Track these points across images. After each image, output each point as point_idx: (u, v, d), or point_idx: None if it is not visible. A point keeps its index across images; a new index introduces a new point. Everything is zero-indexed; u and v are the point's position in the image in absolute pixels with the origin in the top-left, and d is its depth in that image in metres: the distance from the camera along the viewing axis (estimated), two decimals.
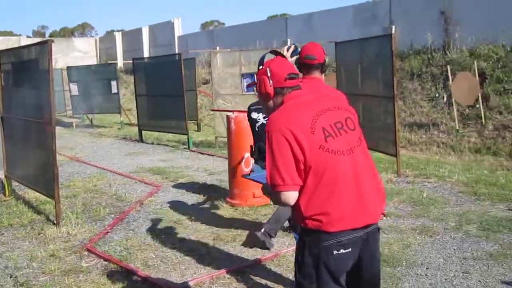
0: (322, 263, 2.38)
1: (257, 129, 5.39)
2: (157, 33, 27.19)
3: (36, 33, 61.67)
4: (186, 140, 12.18)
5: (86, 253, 5.30)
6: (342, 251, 2.37)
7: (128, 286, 4.43)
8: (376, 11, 15.51)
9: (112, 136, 15.29)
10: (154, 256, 5.13)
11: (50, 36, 55.65)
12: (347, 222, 2.38)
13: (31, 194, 7.60)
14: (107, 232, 5.91)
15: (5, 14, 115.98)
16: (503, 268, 4.50)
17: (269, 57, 2.80)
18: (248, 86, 2.59)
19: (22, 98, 7.29)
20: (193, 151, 11.67)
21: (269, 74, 2.56)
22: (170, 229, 5.95)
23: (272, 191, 2.42)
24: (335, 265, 2.39)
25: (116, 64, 18.73)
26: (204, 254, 5.14)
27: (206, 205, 6.95)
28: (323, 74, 4.05)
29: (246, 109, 5.62)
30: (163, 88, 12.73)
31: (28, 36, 36.70)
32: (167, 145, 12.73)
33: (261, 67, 2.67)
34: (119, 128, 17.02)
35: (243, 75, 11.34)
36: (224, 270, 4.65)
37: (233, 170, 6.95)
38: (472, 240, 5.23)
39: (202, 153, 11.28)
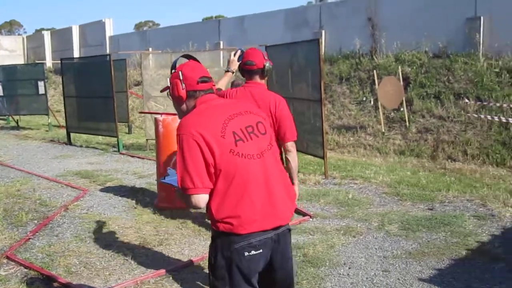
0: (234, 265, 2.42)
1: None
2: (88, 33, 26.52)
3: None
4: (116, 142, 11.95)
5: (5, 260, 5.10)
6: (253, 252, 2.43)
7: None
8: (307, 16, 15.80)
9: (39, 138, 14.76)
10: (77, 262, 5.01)
11: None
12: (257, 225, 2.44)
13: None
14: (29, 239, 5.71)
15: None
16: (420, 266, 4.69)
17: (182, 61, 2.79)
18: (162, 90, 2.62)
19: None
20: (123, 154, 11.46)
21: (181, 78, 2.59)
22: (95, 234, 5.83)
23: (183, 194, 2.45)
24: (247, 266, 2.44)
25: (44, 64, 18.08)
26: (130, 259, 5.06)
27: (134, 209, 6.85)
28: (264, 79, 4.13)
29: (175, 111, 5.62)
30: (92, 90, 12.43)
31: None
32: (96, 148, 12.44)
33: (173, 71, 2.68)
34: (46, 130, 16.45)
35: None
36: (150, 275, 4.61)
37: (161, 173, 6.89)
38: (392, 239, 5.42)
39: (132, 156, 11.10)
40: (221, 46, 17.81)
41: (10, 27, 58.51)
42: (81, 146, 12.87)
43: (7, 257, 5.13)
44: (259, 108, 2.85)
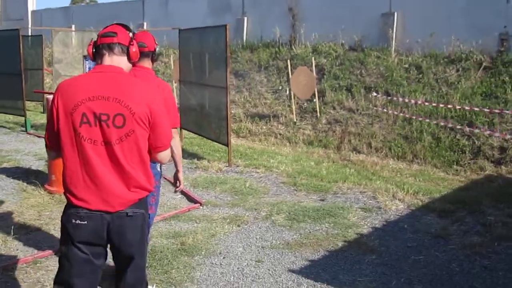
0: (65, 226, 2.73)
1: None
2: (9, 6, 25.31)
3: None
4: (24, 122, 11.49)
5: None
6: (78, 221, 2.66)
7: None
8: (230, 2, 15.69)
9: None
10: None
11: None
12: (83, 202, 2.66)
13: None
14: None
15: None
16: (294, 257, 4.76)
17: None
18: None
19: None
20: (30, 134, 11.04)
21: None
22: None
23: None
24: (73, 231, 2.68)
25: None
26: (0, 244, 4.85)
27: (21, 192, 6.59)
28: (153, 64, 4.06)
29: None
30: (0, 66, 11.86)
31: None
32: (3, 127, 11.91)
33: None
34: None
35: (85, 57, 10.90)
36: (15, 261, 4.44)
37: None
38: (276, 229, 5.47)
39: (39, 136, 10.68)
40: (145, 27, 17.44)
41: None
42: None
43: None
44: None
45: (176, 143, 3.85)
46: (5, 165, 8.08)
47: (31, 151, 9.17)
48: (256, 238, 5.21)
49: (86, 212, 2.64)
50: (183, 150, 9.17)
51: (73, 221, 2.66)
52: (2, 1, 25.83)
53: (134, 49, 2.79)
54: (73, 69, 14.53)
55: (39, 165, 8.07)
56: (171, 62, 14.30)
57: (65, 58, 15.54)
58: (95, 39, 2.78)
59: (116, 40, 2.73)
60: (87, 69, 10.90)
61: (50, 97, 6.66)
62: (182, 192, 6.64)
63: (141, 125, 2.65)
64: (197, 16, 15.15)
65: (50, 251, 4.70)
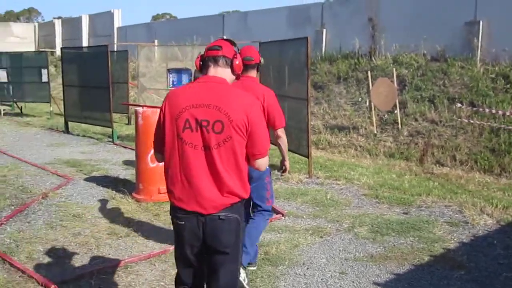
0: (172, 223, 2.97)
1: None
2: (97, 23, 26.68)
3: None
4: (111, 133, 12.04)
5: None
6: (178, 222, 2.88)
7: (5, 279, 4.34)
8: (309, 14, 15.75)
9: (39, 126, 14.90)
10: (41, 249, 5.06)
11: None
12: (181, 202, 2.84)
13: None
14: (1, 224, 5.77)
15: None
16: (379, 270, 4.68)
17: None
18: None
19: None
20: (117, 144, 11.54)
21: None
22: (67, 223, 5.88)
23: None
24: (176, 228, 2.93)
25: (47, 52, 18.20)
26: (94, 249, 5.11)
27: (111, 200, 6.89)
28: (258, 73, 4.55)
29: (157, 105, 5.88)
30: (90, 79, 12.52)
31: None
32: (92, 138, 12.53)
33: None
34: (48, 118, 16.59)
35: (169, 70, 11.29)
36: (108, 265, 4.65)
37: (139, 165, 6.93)
38: (359, 241, 5.41)
39: (125, 147, 11.17)
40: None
41: (29, 15, 58.81)
42: (78, 135, 12.98)
43: None
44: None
45: (284, 140, 4.45)
46: (94, 173, 8.49)
47: (118, 161, 9.58)
48: (339, 250, 5.18)
49: (183, 214, 2.84)
50: None
51: (175, 220, 2.91)
52: (90, 19, 27.28)
53: (237, 62, 2.95)
54: (156, 82, 15.08)
55: (126, 174, 8.41)
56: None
57: (149, 72, 16.15)
58: (203, 53, 2.97)
59: (221, 53, 2.90)
60: (170, 82, 11.29)
61: (138, 108, 6.97)
62: None
63: (238, 132, 2.77)
64: (276, 29, 15.30)
65: (140, 256, 4.88)
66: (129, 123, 15.37)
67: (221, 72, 2.92)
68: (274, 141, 4.40)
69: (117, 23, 24.94)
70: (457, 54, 11.77)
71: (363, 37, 13.60)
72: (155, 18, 56.15)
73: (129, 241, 5.34)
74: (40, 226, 5.75)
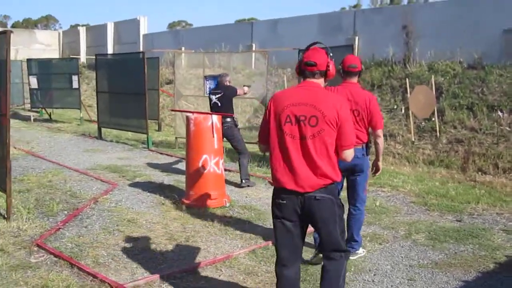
0: (272, 204, 3.50)
1: (211, 105, 8.22)
2: (122, 30, 26.89)
3: None
4: (146, 139, 12.11)
5: (36, 248, 5.21)
6: (280, 201, 3.40)
7: (77, 284, 4.38)
8: (341, 21, 15.76)
9: (71, 131, 15.05)
10: (105, 254, 5.10)
11: (13, 27, 54.21)
12: (282, 184, 3.37)
13: None
14: (59, 229, 5.83)
15: None
16: (446, 277, 4.65)
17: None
18: None
19: None
20: (152, 150, 11.61)
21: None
22: (123, 228, 5.91)
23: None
24: (278, 207, 3.44)
25: (78, 59, 18.43)
26: (157, 254, 5.13)
27: (161, 205, 6.93)
28: (358, 79, 5.07)
29: (207, 111, 5.98)
30: (124, 86, 12.63)
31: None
32: (126, 144, 12.62)
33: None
34: (78, 124, 16.76)
35: (205, 77, 11.32)
36: (176, 270, 4.67)
37: (190, 171, 6.96)
38: (419, 248, 5.38)
39: (161, 153, 11.23)
40: (254, 49, 17.86)
41: (47, 22, 59.52)
42: (111, 141, 13.08)
43: (38, 245, 5.25)
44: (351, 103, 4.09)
45: (382, 140, 4.96)
46: (138, 179, 8.54)
47: (158, 167, 9.63)
48: (402, 257, 5.15)
49: (285, 193, 3.36)
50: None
51: (276, 200, 3.43)
52: (115, 27, 27.53)
53: (330, 70, 3.46)
54: (184, 89, 15.13)
55: (170, 180, 8.45)
56: (284, 81, 14.52)
57: (177, 79, 16.28)
58: (300, 59, 3.50)
59: (316, 69, 3.43)
60: (207, 88, 11.31)
61: (190, 115, 7.01)
62: None
63: (330, 126, 3.30)
64: (307, 37, 15.19)
65: (205, 261, 4.90)
66: (159, 129, 15.48)
67: (317, 80, 3.48)
68: (373, 140, 5.00)
69: (143, 30, 25.13)
70: (494, 62, 11.70)
71: (396, 45, 13.56)
72: (171, 25, 56.53)
73: (189, 247, 5.35)
74: (98, 231, 5.79)
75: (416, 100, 10.55)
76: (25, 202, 6.88)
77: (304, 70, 3.46)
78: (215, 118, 6.88)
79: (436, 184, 8.35)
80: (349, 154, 3.42)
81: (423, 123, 11.27)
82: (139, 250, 5.21)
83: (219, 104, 8.12)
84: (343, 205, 3.53)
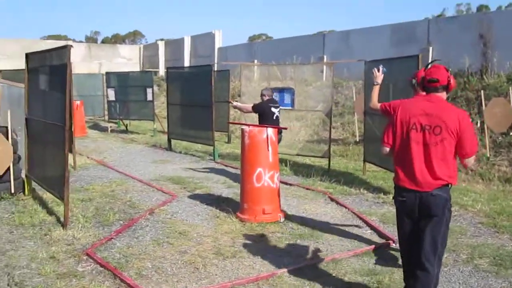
0: (395, 201, 4.00)
1: (274, 118, 8.67)
2: (198, 44, 27.47)
3: (88, 39, 63.30)
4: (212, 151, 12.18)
5: (85, 257, 5.30)
6: (400, 198, 3.89)
7: None
8: (413, 31, 15.22)
9: (143, 142, 15.45)
10: (150, 266, 5.08)
11: (102, 42, 56.99)
12: (403, 183, 3.85)
13: (49, 195, 7.67)
14: (111, 238, 5.90)
15: (60, 19, 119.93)
16: None
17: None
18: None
19: (44, 101, 7.43)
20: (218, 162, 11.64)
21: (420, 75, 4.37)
22: (173, 240, 5.90)
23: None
24: (399, 204, 3.95)
25: (152, 72, 18.94)
26: (200, 268, 5.05)
27: (215, 218, 6.87)
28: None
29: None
30: (193, 98, 12.80)
31: (80, 41, 37.57)
32: (193, 155, 12.76)
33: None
34: (152, 135, 17.19)
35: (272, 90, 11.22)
36: (216, 286, 4.56)
37: (244, 185, 6.86)
38: (480, 275, 4.97)
39: (226, 166, 11.24)
40: (325, 60, 17.63)
41: (133, 37, 62.10)
42: (180, 152, 13.27)
43: (87, 254, 5.33)
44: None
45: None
46: (197, 191, 8.55)
47: (220, 179, 9.62)
48: (459, 283, 4.77)
49: (405, 192, 3.82)
50: (367, 184, 8.95)
51: (398, 198, 3.90)
52: (192, 40, 28.17)
53: (451, 84, 3.93)
54: (255, 101, 15.08)
55: (229, 193, 8.40)
56: (352, 94, 14.19)
57: (248, 91, 16.29)
58: (423, 75, 3.97)
59: (439, 85, 3.88)
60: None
61: (245, 127, 6.90)
62: (372, 228, 6.42)
63: (451, 135, 3.73)
64: (379, 48, 14.93)
65: (248, 278, 4.76)
66: (229, 141, 15.56)
67: (440, 94, 3.91)
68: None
69: (218, 43, 25.54)
70: None
71: (473, 55, 12.91)
72: (251, 39, 57.23)
73: (235, 262, 5.24)
74: (147, 242, 5.81)
75: (492, 113, 9.94)
76: (85, 211, 7.06)
77: (427, 86, 3.91)
78: (270, 131, 6.75)
79: (511, 203, 7.75)
80: (470, 161, 3.86)
81: (500, 138, 10.59)
82: (183, 264, 5.16)
83: (279, 118, 8.46)
84: (451, 212, 3.90)
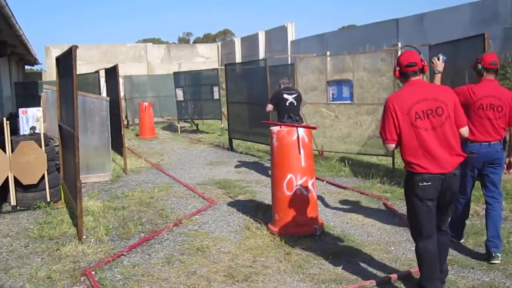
0: (413, 190, 3.90)
1: (287, 105, 8.59)
2: (272, 38, 26.78)
3: (181, 40, 64.66)
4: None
5: (82, 278, 4.76)
6: (425, 183, 3.82)
7: None
8: (497, 9, 13.56)
9: (208, 143, 15.01)
10: None
11: (194, 42, 57.87)
12: (425, 169, 3.80)
13: (83, 204, 7.28)
14: (121, 255, 5.34)
15: (154, 23, 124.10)
16: None
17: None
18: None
19: (67, 106, 7.07)
20: None
21: (396, 63, 4.02)
22: (187, 258, 5.23)
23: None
24: (421, 192, 3.86)
25: (217, 69, 18.38)
26: None
27: (245, 230, 6.12)
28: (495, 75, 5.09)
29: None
30: (250, 95, 12.14)
31: (173, 42, 37.91)
32: (254, 155, 12.10)
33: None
34: (220, 135, 16.71)
35: (328, 82, 10.30)
36: None
37: (274, 193, 6.05)
38: None
39: None
40: (399, 46, 16.29)
41: (224, 36, 62.48)
42: (241, 152, 12.68)
43: (86, 274, 4.79)
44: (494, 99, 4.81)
45: None
46: (240, 197, 7.86)
47: (270, 182, 8.85)
48: None
49: (429, 176, 3.80)
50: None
51: (421, 184, 3.83)
52: (266, 35, 27.52)
53: (425, 66, 3.95)
54: (307, 94, 14.12)
55: None
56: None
57: (320, 85, 15.30)
58: (399, 63, 3.97)
59: (417, 68, 3.92)
60: (330, 95, 10.32)
61: (273, 128, 6.08)
62: None
63: (451, 111, 3.83)
64: (457, 29, 13.44)
65: None
66: None
67: (419, 77, 3.95)
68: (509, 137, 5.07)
69: (291, 36, 24.69)
70: None
71: None
72: (340, 30, 55.61)
73: (244, 287, 4.46)
74: (158, 261, 5.18)
75: None
76: (110, 222, 6.60)
77: (406, 72, 3.93)
78: (302, 131, 5.85)
79: None
80: (465, 131, 3.99)
81: None
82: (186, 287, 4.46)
83: (295, 104, 8.62)
84: None
